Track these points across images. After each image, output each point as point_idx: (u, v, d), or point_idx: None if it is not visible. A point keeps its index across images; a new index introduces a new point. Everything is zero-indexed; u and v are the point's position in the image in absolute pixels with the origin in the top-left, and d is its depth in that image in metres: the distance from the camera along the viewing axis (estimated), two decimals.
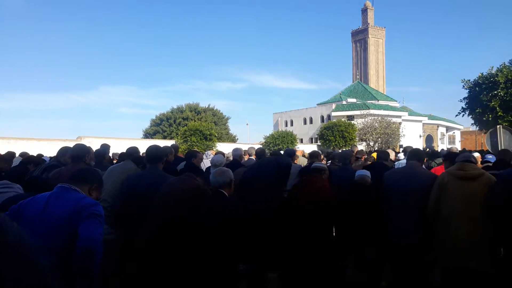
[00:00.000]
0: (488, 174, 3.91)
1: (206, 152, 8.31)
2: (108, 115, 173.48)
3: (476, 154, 8.08)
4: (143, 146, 5.38)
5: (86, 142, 22.80)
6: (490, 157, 6.75)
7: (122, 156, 5.25)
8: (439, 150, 11.00)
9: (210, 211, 3.44)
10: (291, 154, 6.33)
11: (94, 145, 8.30)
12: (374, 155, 7.89)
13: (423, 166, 7.81)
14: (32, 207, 2.68)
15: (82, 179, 2.89)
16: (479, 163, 7.52)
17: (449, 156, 5.72)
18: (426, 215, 4.00)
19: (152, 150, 4.47)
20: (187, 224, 3.45)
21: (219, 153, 8.39)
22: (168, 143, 27.98)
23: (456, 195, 3.78)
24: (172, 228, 3.51)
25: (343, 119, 42.99)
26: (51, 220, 2.60)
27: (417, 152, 4.62)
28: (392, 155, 6.61)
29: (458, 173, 3.88)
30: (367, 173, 4.72)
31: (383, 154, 6.08)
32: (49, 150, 5.27)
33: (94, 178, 2.97)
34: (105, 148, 6.80)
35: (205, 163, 7.11)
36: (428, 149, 11.94)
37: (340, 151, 9.02)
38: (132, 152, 5.08)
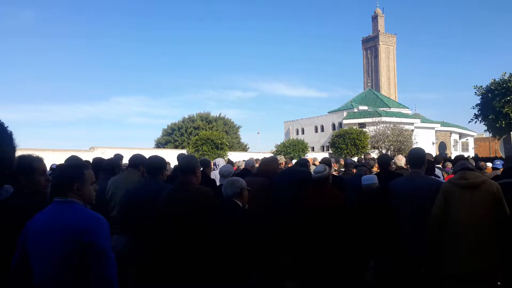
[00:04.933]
0: (490, 180, 3.92)
1: (215, 160, 8.29)
2: (120, 125, 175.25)
3: (489, 164, 8.00)
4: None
5: (99, 152, 23.01)
6: (498, 163, 6.71)
7: (128, 165, 4.86)
8: (452, 158, 10.88)
9: (222, 219, 3.46)
10: (304, 163, 6.26)
11: (107, 155, 8.41)
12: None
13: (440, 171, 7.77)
14: (36, 231, 2.42)
15: (66, 186, 2.49)
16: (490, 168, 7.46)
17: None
18: (429, 222, 3.98)
19: (151, 161, 4.26)
20: (201, 230, 3.47)
21: (229, 162, 8.40)
22: (180, 152, 28.08)
23: (460, 205, 3.79)
24: (186, 234, 3.53)
25: (354, 127, 42.82)
26: (56, 248, 2.35)
27: (415, 158, 4.46)
28: (402, 162, 6.49)
29: (460, 182, 3.88)
30: (374, 179, 4.60)
31: (384, 159, 5.89)
32: (63, 161, 5.36)
33: (75, 177, 2.54)
34: (117, 158, 6.83)
35: (215, 173, 7.14)
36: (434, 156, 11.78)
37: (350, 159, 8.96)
38: (136, 162, 4.78)
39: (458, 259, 3.76)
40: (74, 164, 2.85)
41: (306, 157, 7.93)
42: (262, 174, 4.92)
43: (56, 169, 4.97)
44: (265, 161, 5.45)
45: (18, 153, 3.35)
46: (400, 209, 4.24)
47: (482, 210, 3.72)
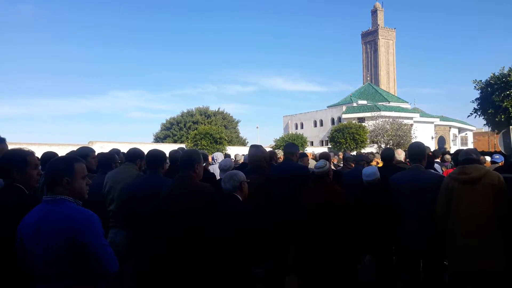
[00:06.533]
0: (492, 172, 3.78)
1: (214, 155, 8.27)
2: (119, 120, 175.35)
3: (487, 158, 7.97)
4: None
5: (98, 146, 22.99)
6: (497, 157, 6.66)
7: (126, 159, 4.79)
8: (451, 152, 10.87)
9: (223, 214, 3.42)
10: (292, 153, 5.29)
11: (106, 149, 8.37)
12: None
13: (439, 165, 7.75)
14: (29, 232, 2.36)
15: (55, 181, 2.41)
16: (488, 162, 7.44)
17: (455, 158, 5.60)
18: (433, 218, 3.94)
19: (152, 154, 4.20)
20: (200, 226, 3.44)
21: (226, 156, 8.36)
22: (172, 149, 28.09)
23: (461, 200, 3.71)
24: (186, 230, 3.51)
25: (354, 121, 42.83)
26: (50, 249, 2.31)
27: (416, 153, 4.41)
28: (402, 156, 6.47)
29: (460, 177, 3.78)
30: (375, 174, 4.58)
31: (388, 153, 5.84)
32: (61, 155, 5.31)
33: (65, 171, 2.42)
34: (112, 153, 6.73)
35: (214, 167, 7.11)
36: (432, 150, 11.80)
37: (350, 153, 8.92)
38: (134, 156, 4.66)
39: (458, 256, 3.71)
40: (63, 157, 2.75)
41: (305, 151, 7.80)
42: (255, 171, 4.72)
43: (41, 161, 4.89)
44: (253, 156, 4.96)
45: (11, 147, 3.33)
46: (402, 202, 4.20)
47: (482, 206, 3.61)
